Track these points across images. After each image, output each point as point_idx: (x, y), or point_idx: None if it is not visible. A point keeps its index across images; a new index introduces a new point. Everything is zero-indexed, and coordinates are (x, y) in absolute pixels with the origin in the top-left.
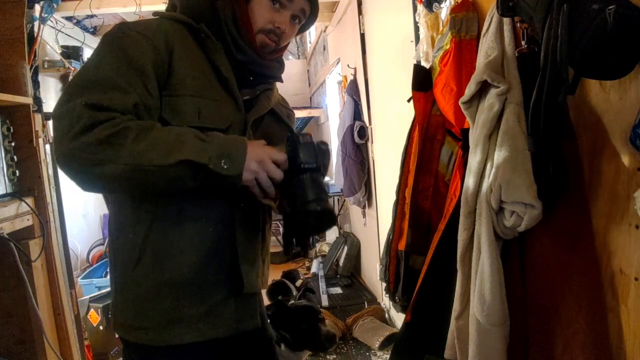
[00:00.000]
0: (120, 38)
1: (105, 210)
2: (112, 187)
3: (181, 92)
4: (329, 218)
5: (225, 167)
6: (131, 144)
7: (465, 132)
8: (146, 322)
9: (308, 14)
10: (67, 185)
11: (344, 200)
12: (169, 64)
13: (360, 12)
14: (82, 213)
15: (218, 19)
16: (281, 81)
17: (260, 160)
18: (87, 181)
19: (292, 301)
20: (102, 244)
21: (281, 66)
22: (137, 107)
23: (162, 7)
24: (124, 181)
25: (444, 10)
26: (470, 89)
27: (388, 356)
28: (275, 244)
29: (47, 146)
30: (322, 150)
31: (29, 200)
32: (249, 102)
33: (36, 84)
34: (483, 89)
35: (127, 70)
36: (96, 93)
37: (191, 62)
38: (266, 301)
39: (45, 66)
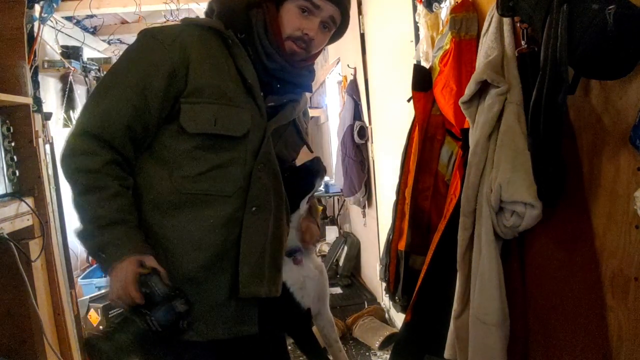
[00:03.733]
0: (141, 48)
1: None
2: None
3: (198, 99)
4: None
5: (99, 258)
6: (75, 195)
7: (465, 132)
8: None
9: (339, 22)
10: (68, 185)
11: (344, 200)
12: (186, 72)
13: (360, 12)
14: None
15: (251, 26)
16: (310, 91)
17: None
18: None
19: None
20: None
21: (311, 75)
22: (129, 131)
23: (162, 7)
24: None
25: (444, 10)
26: (470, 89)
27: (388, 356)
28: None
29: (47, 146)
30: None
31: (29, 200)
32: (274, 109)
33: (36, 84)
34: (483, 89)
35: (130, 95)
36: (88, 118)
37: (213, 68)
38: None
39: (45, 66)
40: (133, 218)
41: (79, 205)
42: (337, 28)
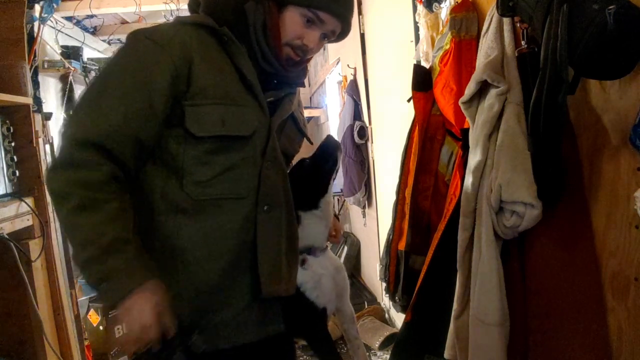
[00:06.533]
0: (135, 49)
1: None
2: None
3: (203, 100)
4: None
5: (102, 290)
6: (66, 211)
7: (465, 132)
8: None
9: (338, 33)
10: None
11: (344, 200)
12: (188, 73)
13: (360, 12)
14: None
15: (245, 22)
16: (303, 86)
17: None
18: None
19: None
20: None
21: (303, 72)
22: (137, 141)
23: (162, 8)
24: None
25: (444, 10)
26: (470, 89)
27: (388, 356)
28: None
29: (47, 146)
30: None
31: (29, 200)
32: (273, 104)
33: (36, 84)
34: (483, 89)
35: (133, 96)
36: (88, 124)
37: (213, 67)
38: None
39: (45, 66)
40: (137, 238)
41: (73, 225)
42: (336, 37)
